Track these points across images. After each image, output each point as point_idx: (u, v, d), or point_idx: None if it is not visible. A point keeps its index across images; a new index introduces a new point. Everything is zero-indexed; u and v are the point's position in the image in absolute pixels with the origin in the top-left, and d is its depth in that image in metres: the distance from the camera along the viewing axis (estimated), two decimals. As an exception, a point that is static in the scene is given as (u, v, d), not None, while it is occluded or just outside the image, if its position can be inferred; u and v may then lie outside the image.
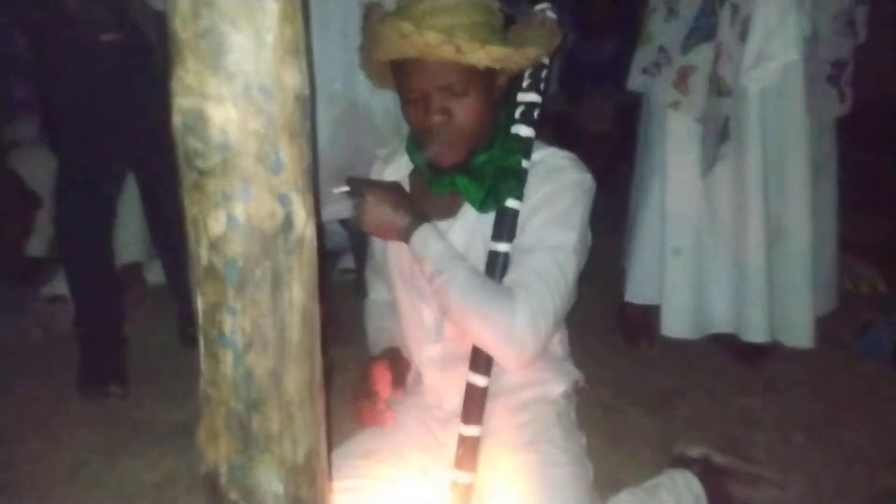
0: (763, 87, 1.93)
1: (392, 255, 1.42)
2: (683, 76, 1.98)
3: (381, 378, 1.34)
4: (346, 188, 1.27)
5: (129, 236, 2.70)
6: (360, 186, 1.29)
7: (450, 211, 1.35)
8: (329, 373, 0.87)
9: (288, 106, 0.68)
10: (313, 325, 0.77)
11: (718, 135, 1.96)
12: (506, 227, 1.28)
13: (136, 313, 2.49)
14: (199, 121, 0.66)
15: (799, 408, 2.05)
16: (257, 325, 0.72)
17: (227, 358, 0.73)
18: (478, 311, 1.23)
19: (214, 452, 0.76)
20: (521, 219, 1.28)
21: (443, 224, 1.33)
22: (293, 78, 0.68)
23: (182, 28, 0.64)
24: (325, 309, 1.24)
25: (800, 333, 2.14)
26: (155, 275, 2.73)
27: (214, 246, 0.69)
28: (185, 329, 2.35)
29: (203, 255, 0.70)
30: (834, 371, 2.22)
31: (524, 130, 1.30)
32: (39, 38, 2.04)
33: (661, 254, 2.18)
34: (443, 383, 1.42)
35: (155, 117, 2.05)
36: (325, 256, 1.43)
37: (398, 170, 1.43)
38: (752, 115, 1.95)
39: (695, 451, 1.65)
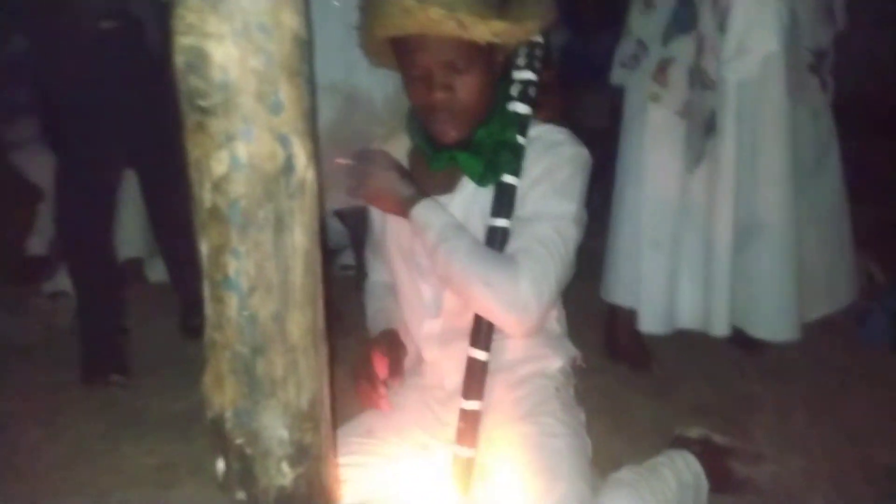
0: (742, 78, 1.92)
1: (391, 231, 1.43)
2: (663, 68, 1.96)
3: (380, 362, 1.35)
4: (347, 161, 1.29)
5: (130, 232, 2.72)
6: (366, 155, 1.32)
7: (447, 187, 1.36)
8: (330, 363, 0.88)
9: (286, 45, 0.69)
10: (315, 270, 0.78)
11: (705, 128, 1.94)
12: (504, 202, 1.29)
13: (136, 308, 2.49)
14: (199, 59, 0.67)
15: (798, 392, 2.05)
16: (261, 268, 0.73)
17: (232, 301, 0.74)
18: (482, 279, 1.24)
19: (220, 397, 0.76)
20: (520, 192, 1.30)
21: (441, 199, 1.35)
22: (291, 18, 0.69)
23: (184, -33, 0.66)
24: (327, 300, 1.27)
25: (783, 327, 2.07)
26: (155, 272, 2.75)
27: (217, 187, 0.70)
28: (187, 320, 2.36)
29: (206, 197, 0.71)
30: (833, 357, 2.23)
31: (521, 108, 1.32)
32: (38, 31, 2.05)
33: (639, 250, 2.15)
34: (442, 360, 1.43)
35: (155, 109, 2.10)
36: (326, 252, 1.43)
37: (397, 149, 1.44)
38: (730, 107, 1.93)
39: (694, 432, 1.65)
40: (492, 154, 1.30)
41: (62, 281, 2.50)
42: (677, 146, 2.02)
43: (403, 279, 1.44)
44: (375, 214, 1.47)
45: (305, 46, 0.71)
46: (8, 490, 1.66)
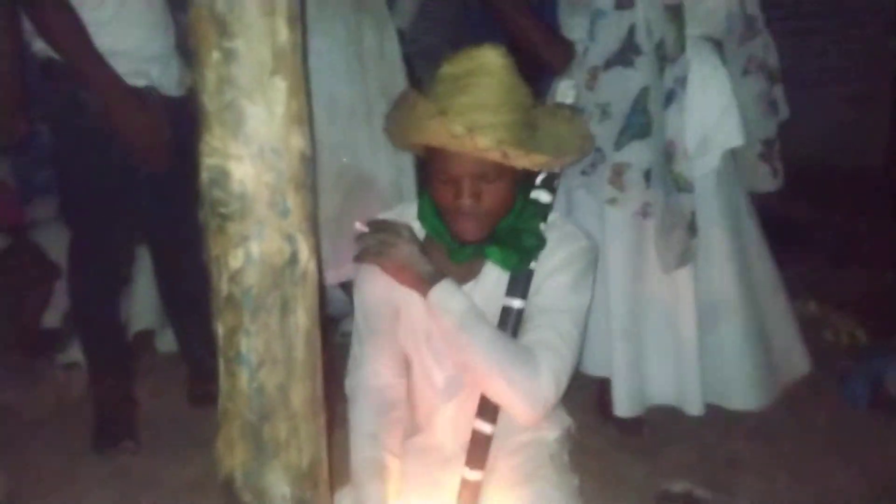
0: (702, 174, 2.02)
1: (404, 311, 1.44)
2: (618, 172, 1.98)
3: None
4: (365, 228, 1.32)
5: (142, 305, 2.84)
6: (389, 225, 1.34)
7: (467, 276, 1.40)
8: (330, 427, 0.99)
9: (294, 163, 0.84)
10: (315, 347, 0.90)
11: (688, 231, 1.98)
12: (520, 284, 1.35)
13: (147, 378, 2.59)
14: (222, 176, 0.82)
15: (783, 452, 2.13)
16: (268, 346, 0.86)
17: (243, 374, 0.86)
18: (502, 374, 1.28)
19: (231, 459, 0.88)
20: (537, 279, 1.36)
21: (464, 288, 1.38)
22: (298, 141, 0.85)
23: (209, 101, 0.81)
24: (327, 367, 1.36)
25: (744, 397, 2.17)
26: (165, 343, 2.85)
27: (233, 278, 0.84)
28: (194, 389, 2.45)
29: (224, 287, 0.85)
30: (818, 417, 2.30)
31: (544, 196, 1.40)
32: (57, 122, 2.20)
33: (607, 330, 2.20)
34: (451, 437, 1.49)
35: (166, 187, 2.25)
36: (327, 321, 1.51)
37: None
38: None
39: (678, 487, 1.75)
40: (517, 241, 1.35)
41: (75, 353, 2.59)
42: (636, 244, 2.08)
43: (415, 362, 1.46)
44: (382, 297, 1.44)
45: (309, 162, 0.86)
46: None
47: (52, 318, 2.92)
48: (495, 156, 1.24)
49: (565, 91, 1.48)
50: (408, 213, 1.47)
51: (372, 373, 1.47)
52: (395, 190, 2.31)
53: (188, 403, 2.45)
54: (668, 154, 1.95)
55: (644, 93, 1.94)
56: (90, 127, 2.03)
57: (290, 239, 0.85)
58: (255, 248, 0.83)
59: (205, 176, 0.82)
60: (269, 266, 0.84)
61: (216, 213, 0.82)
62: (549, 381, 1.29)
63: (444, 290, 1.30)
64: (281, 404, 0.87)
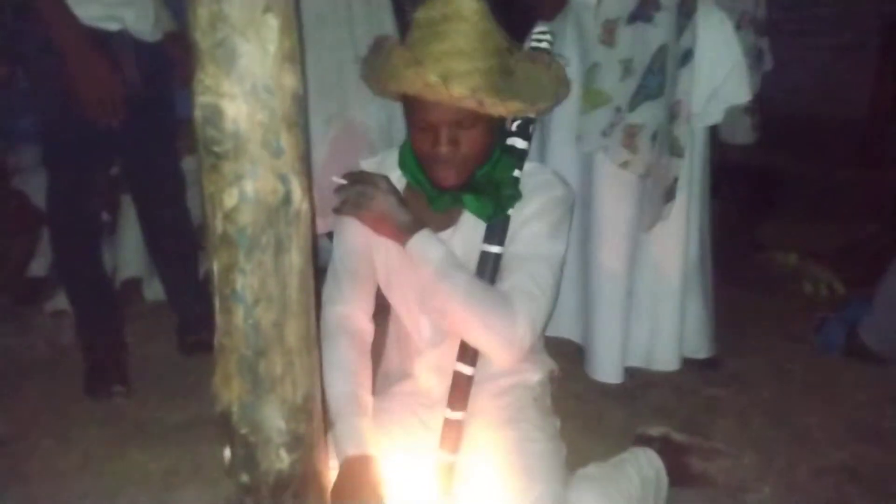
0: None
1: (389, 260, 1.47)
2: (631, 134, 1.95)
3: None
4: (342, 181, 1.33)
5: (130, 253, 2.86)
6: (366, 177, 1.35)
7: (447, 223, 1.43)
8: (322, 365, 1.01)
9: (286, 102, 0.85)
10: (309, 285, 0.93)
11: (664, 194, 1.99)
12: (498, 231, 1.37)
13: (136, 325, 2.62)
14: (215, 114, 0.82)
15: (760, 397, 2.20)
16: (263, 284, 0.88)
17: (239, 311, 0.88)
18: (480, 319, 1.32)
19: (228, 393, 0.91)
20: (513, 226, 1.38)
21: (442, 235, 1.41)
22: (290, 80, 0.85)
23: (202, 39, 0.81)
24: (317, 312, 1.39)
25: (706, 348, 2.30)
26: (153, 291, 2.87)
27: (228, 217, 0.85)
28: (184, 338, 2.48)
29: (219, 225, 0.86)
30: (795, 365, 2.38)
31: (520, 143, 1.41)
32: (36, 61, 2.13)
33: (582, 293, 2.25)
34: (435, 382, 1.53)
35: (149, 135, 2.23)
36: (318, 272, 1.52)
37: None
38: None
39: (655, 431, 1.79)
40: (494, 192, 1.37)
41: (62, 301, 2.61)
42: (639, 205, 2.10)
43: (402, 311, 1.50)
44: (369, 244, 1.47)
45: (301, 102, 0.86)
46: (22, 496, 1.77)
47: (40, 266, 2.93)
48: (470, 104, 1.25)
49: (539, 36, 1.46)
50: (389, 162, 1.49)
51: (348, 313, 1.49)
52: (385, 136, 2.31)
53: (179, 352, 2.47)
54: (673, 115, 1.94)
55: (662, 51, 1.90)
56: (59, 71, 1.99)
57: (283, 179, 0.86)
58: (248, 186, 0.84)
59: (198, 114, 0.83)
60: (263, 205, 0.86)
61: (210, 152, 0.83)
62: (524, 325, 1.33)
63: (421, 240, 1.33)
64: (276, 340, 0.90)
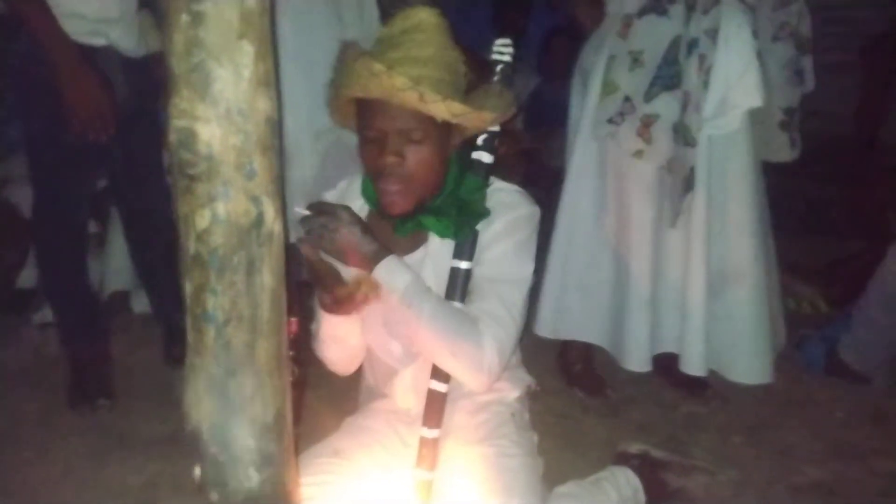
0: (719, 134, 2.01)
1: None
2: (646, 125, 1.98)
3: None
4: (306, 212, 1.30)
5: (118, 265, 2.85)
6: (328, 208, 1.33)
7: (415, 245, 1.44)
8: (301, 388, 1.02)
9: (260, 126, 0.86)
10: (280, 305, 0.94)
11: (684, 185, 1.98)
12: (466, 247, 1.38)
13: (122, 337, 2.62)
14: (189, 137, 0.83)
15: (741, 414, 2.22)
16: (234, 304, 0.89)
17: (210, 331, 0.89)
18: (448, 347, 1.33)
19: (198, 412, 0.91)
20: (479, 245, 1.39)
21: (412, 256, 1.42)
22: (264, 104, 0.86)
23: (177, 64, 0.82)
24: (303, 329, 1.39)
25: (758, 370, 2.18)
26: (140, 303, 2.87)
27: (200, 238, 0.86)
28: (170, 350, 2.49)
29: (191, 245, 0.87)
30: (777, 381, 2.36)
31: (486, 157, 1.42)
32: (16, 78, 2.17)
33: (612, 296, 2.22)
34: (413, 401, 1.54)
35: (134, 150, 2.24)
36: (303, 284, 1.52)
37: (354, 207, 1.42)
38: (702, 162, 2.01)
39: (634, 448, 1.81)
40: (458, 212, 1.38)
41: (49, 312, 2.60)
42: (659, 199, 2.09)
43: (371, 334, 1.49)
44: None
45: (275, 125, 0.88)
46: (0, 508, 1.79)
47: (29, 277, 2.93)
48: (412, 98, 1.24)
49: (502, 49, 1.45)
50: (352, 189, 1.50)
51: None
52: None
53: (165, 364, 2.48)
54: (683, 105, 1.95)
55: (676, 42, 1.93)
56: (47, 84, 2.00)
57: (255, 201, 0.87)
58: (221, 208, 0.86)
59: (173, 137, 0.84)
60: (234, 226, 0.87)
61: (184, 174, 0.84)
62: (492, 351, 1.33)
63: (387, 268, 1.32)
64: (247, 360, 0.91)
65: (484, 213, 1.39)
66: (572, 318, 2.26)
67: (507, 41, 1.45)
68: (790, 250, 3.29)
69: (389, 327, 1.44)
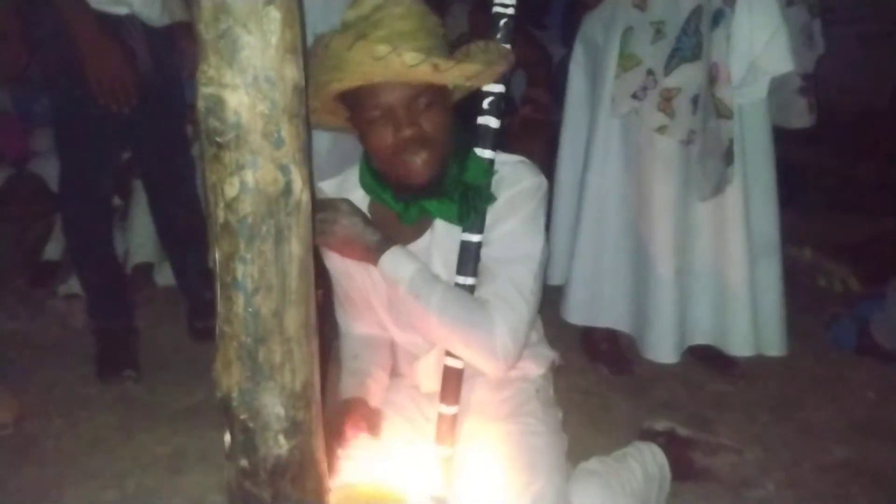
0: (751, 102, 1.98)
1: (371, 283, 1.43)
2: (668, 98, 1.93)
3: (355, 426, 1.35)
4: None
5: (142, 238, 2.88)
6: (328, 203, 1.31)
7: (420, 231, 1.40)
8: (325, 358, 1.02)
9: (288, 93, 0.85)
10: (308, 274, 0.93)
11: (724, 158, 1.94)
12: (469, 260, 1.33)
13: (147, 310, 2.65)
14: (217, 104, 0.83)
15: (768, 392, 2.20)
16: (263, 273, 0.89)
17: (239, 299, 0.89)
18: (459, 336, 1.30)
19: (228, 380, 0.92)
20: (488, 220, 1.33)
21: (414, 245, 1.38)
22: (292, 71, 0.85)
23: (205, 30, 0.82)
24: (323, 306, 1.38)
25: (777, 341, 2.18)
26: (164, 276, 2.90)
27: (229, 206, 0.86)
28: (194, 324, 2.51)
29: (220, 214, 0.87)
30: (804, 360, 2.36)
31: (493, 122, 1.33)
32: (44, 51, 2.18)
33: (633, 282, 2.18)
34: (434, 381, 1.49)
35: (160, 123, 2.24)
36: (319, 261, 1.50)
37: (356, 202, 1.40)
38: (734, 130, 1.97)
39: (660, 425, 1.80)
40: (463, 198, 1.32)
41: (74, 285, 2.64)
42: (685, 174, 2.04)
43: (391, 326, 1.48)
44: (354, 270, 1.44)
45: (302, 93, 0.87)
46: (31, 475, 1.81)
47: (54, 249, 2.97)
48: (425, 71, 1.19)
49: (504, 1, 1.35)
50: (350, 182, 1.45)
51: (353, 333, 1.55)
52: None
53: (189, 337, 2.50)
54: (712, 77, 1.91)
55: (696, 12, 1.89)
56: (71, 56, 2.01)
57: (283, 169, 0.87)
58: (249, 176, 0.85)
59: (201, 104, 0.83)
60: (263, 195, 0.86)
61: (212, 142, 0.84)
62: (504, 337, 1.29)
63: (391, 259, 1.30)
64: (275, 328, 0.91)
65: (490, 198, 1.33)
66: (603, 305, 2.22)
67: None
68: (821, 227, 3.26)
69: (404, 318, 1.42)
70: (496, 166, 1.35)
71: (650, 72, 1.96)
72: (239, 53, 0.82)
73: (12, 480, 1.79)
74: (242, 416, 0.93)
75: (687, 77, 1.92)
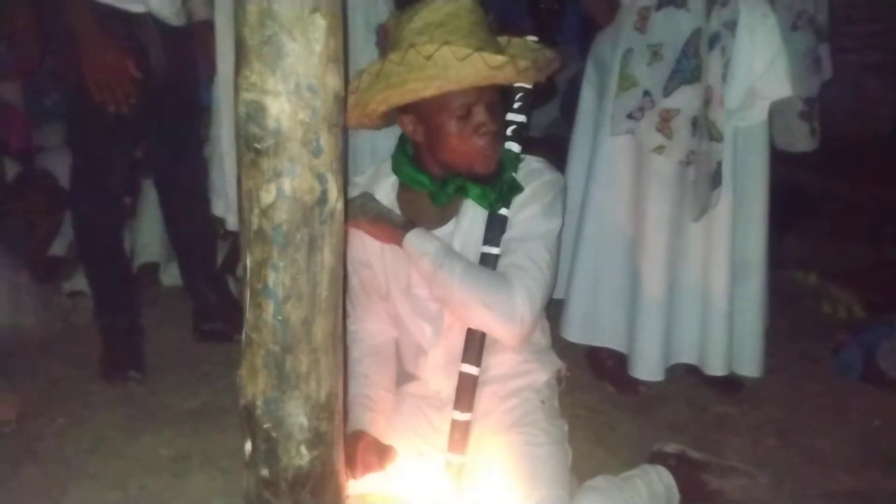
0: (747, 126, 1.98)
1: (391, 270, 1.52)
2: (666, 119, 1.95)
3: (366, 463, 1.35)
4: None
5: (148, 237, 2.87)
6: (361, 194, 1.49)
7: (445, 219, 1.50)
8: (346, 364, 1.02)
9: (329, 102, 0.85)
10: (339, 284, 0.93)
11: (711, 180, 1.94)
12: (496, 231, 1.44)
13: (153, 310, 2.63)
14: (258, 111, 0.83)
15: (773, 417, 2.18)
16: (295, 281, 0.88)
17: (269, 307, 0.89)
18: (480, 300, 1.37)
19: (253, 387, 0.91)
20: (509, 215, 1.45)
21: (441, 230, 1.48)
22: (334, 80, 0.85)
23: (249, 35, 0.82)
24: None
25: (753, 363, 2.18)
26: (170, 276, 2.88)
27: (264, 213, 0.86)
28: (199, 326, 2.49)
29: (254, 220, 0.87)
30: (809, 385, 2.35)
31: (515, 147, 1.49)
32: (57, 45, 2.16)
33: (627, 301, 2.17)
34: (443, 381, 1.55)
35: (173, 124, 2.23)
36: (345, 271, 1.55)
37: (386, 193, 1.55)
38: (726, 155, 1.97)
39: (671, 447, 1.78)
40: (499, 189, 1.44)
41: (80, 282, 2.62)
42: (679, 195, 2.05)
43: (404, 316, 1.56)
44: (374, 259, 1.53)
45: (342, 103, 0.87)
46: (32, 474, 1.79)
47: (61, 245, 2.95)
48: (511, 73, 1.35)
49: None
50: (382, 171, 1.57)
51: (363, 327, 1.61)
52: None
53: (193, 338, 2.48)
54: (706, 100, 1.92)
55: (696, 35, 1.90)
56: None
57: (320, 178, 0.87)
58: (286, 184, 0.85)
59: (241, 110, 0.83)
60: (299, 203, 0.86)
61: (251, 148, 0.84)
62: (522, 299, 1.38)
63: (416, 236, 1.41)
64: (304, 337, 0.90)
65: (519, 188, 1.46)
66: (600, 323, 2.22)
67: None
68: (825, 252, 3.26)
69: (417, 305, 1.50)
70: (523, 162, 1.49)
71: (646, 93, 1.98)
72: (283, 60, 0.82)
73: (12, 479, 1.76)
74: (266, 426, 0.92)
75: (686, 99, 1.93)
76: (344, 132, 0.89)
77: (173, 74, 2.18)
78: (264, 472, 0.94)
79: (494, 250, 1.43)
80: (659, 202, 2.06)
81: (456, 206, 1.49)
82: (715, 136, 1.92)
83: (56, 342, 2.46)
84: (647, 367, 2.16)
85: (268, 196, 0.85)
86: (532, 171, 1.49)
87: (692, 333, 2.15)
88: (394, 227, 1.43)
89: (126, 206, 2.99)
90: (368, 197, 1.49)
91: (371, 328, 1.61)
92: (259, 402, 0.91)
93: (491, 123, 1.40)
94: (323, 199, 0.87)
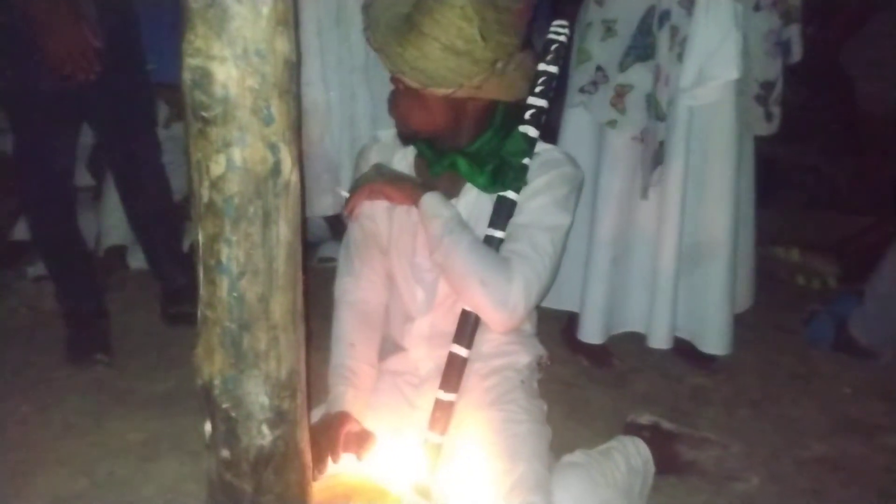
0: (698, 105, 1.96)
1: (396, 231, 1.52)
2: (620, 94, 1.97)
3: (345, 447, 1.37)
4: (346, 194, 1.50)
5: (114, 220, 2.78)
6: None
7: (450, 193, 1.48)
8: (308, 344, 1.00)
9: (279, 68, 0.81)
10: (296, 259, 0.90)
11: (653, 159, 1.97)
12: (503, 216, 1.42)
13: (120, 294, 2.58)
14: (204, 77, 0.79)
15: (746, 387, 2.20)
16: (249, 256, 0.85)
17: (223, 283, 0.85)
18: (478, 276, 1.37)
19: (210, 367, 0.88)
20: (520, 200, 1.43)
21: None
22: (283, 45, 0.82)
23: (193, -1, 0.77)
24: (305, 289, 1.36)
25: (718, 341, 2.17)
26: (137, 259, 2.82)
27: (215, 185, 0.82)
28: (167, 309, 2.44)
29: (205, 193, 0.83)
30: (782, 356, 2.37)
31: (532, 131, 1.45)
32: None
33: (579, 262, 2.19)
34: (424, 353, 1.55)
35: (123, 102, 2.14)
36: (306, 247, 1.52)
37: (405, 155, 1.56)
38: (680, 133, 1.97)
39: (645, 419, 1.79)
40: (497, 168, 1.43)
41: (43, 267, 2.55)
42: (631, 170, 2.06)
43: (399, 279, 1.55)
44: (378, 213, 1.53)
45: (294, 69, 0.83)
46: (-2, 462, 1.76)
47: (23, 229, 2.87)
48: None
49: (558, 29, 1.47)
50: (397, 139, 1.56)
51: (357, 285, 1.58)
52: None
53: (161, 322, 2.44)
54: (654, 78, 1.92)
55: (651, 12, 1.90)
56: (17, 26, 1.89)
57: (273, 148, 0.83)
58: (237, 154, 0.81)
59: (186, 77, 0.79)
60: (251, 174, 0.83)
61: (198, 117, 0.80)
62: (519, 288, 1.37)
63: (433, 198, 1.42)
64: (261, 314, 0.87)
65: (521, 182, 1.43)
66: (562, 287, 2.20)
67: (564, 22, 1.48)
68: (800, 224, 3.28)
69: (416, 272, 1.50)
70: (540, 154, 1.47)
71: (599, 68, 2.00)
72: (229, 24, 0.78)
73: (-23, 467, 1.73)
74: (224, 405, 0.89)
75: (640, 75, 1.95)
76: (297, 100, 0.85)
77: (114, 47, 2.04)
78: (225, 453, 0.91)
79: (499, 234, 1.42)
80: (609, 176, 2.08)
81: (459, 184, 1.48)
82: (659, 115, 1.93)
83: (20, 329, 2.41)
84: (589, 331, 2.20)
85: (217, 167, 0.81)
86: (550, 160, 1.48)
87: (641, 304, 2.18)
88: (413, 186, 1.44)
89: (89, 188, 2.93)
90: (383, 165, 1.52)
91: (365, 288, 1.59)
92: (217, 382, 0.88)
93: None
94: (276, 170, 0.84)
